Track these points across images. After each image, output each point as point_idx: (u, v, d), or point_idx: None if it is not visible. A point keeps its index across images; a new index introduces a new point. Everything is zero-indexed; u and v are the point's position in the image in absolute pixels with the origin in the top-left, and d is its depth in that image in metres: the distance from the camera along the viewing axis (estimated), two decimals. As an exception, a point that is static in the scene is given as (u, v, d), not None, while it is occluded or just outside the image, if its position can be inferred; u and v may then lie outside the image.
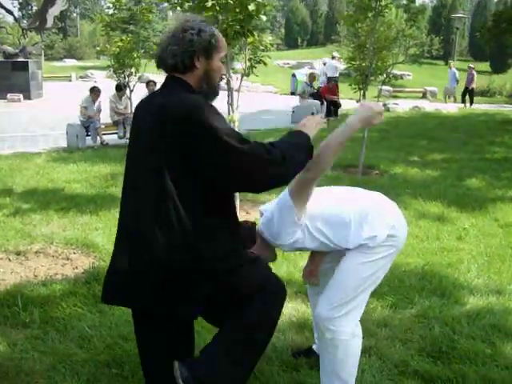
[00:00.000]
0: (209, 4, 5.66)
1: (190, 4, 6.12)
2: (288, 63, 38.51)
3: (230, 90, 6.14)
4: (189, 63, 2.27)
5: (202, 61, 2.29)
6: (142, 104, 2.42)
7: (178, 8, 6.38)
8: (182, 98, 2.21)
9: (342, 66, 18.27)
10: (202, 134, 2.13)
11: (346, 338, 2.73)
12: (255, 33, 6.13)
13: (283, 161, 2.23)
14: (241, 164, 2.17)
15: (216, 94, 2.42)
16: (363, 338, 3.44)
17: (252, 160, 2.18)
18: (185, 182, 2.19)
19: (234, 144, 2.13)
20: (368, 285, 2.78)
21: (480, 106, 21.72)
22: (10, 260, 4.84)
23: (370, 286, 2.80)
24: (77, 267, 4.71)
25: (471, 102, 22.17)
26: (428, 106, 19.75)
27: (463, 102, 22.29)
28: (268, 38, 6.28)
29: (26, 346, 3.40)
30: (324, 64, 22.63)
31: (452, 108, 19.52)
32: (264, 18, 5.88)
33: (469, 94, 22.43)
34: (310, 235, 2.72)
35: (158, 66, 2.37)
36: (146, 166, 2.25)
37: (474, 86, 22.64)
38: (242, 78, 6.15)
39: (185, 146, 2.15)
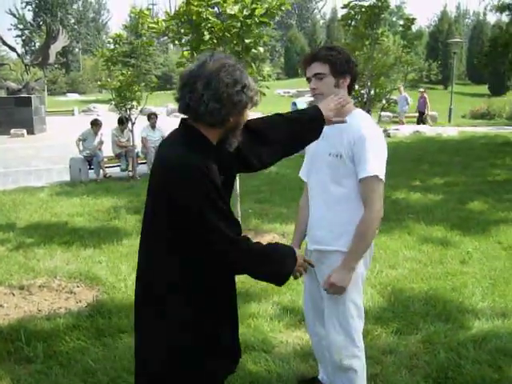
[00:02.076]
0: (206, 38, 5.77)
1: (189, 38, 6.24)
2: (288, 92, 38.85)
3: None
4: (225, 122, 2.02)
5: (235, 117, 2.04)
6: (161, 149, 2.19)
7: (177, 42, 6.49)
8: (182, 160, 1.97)
9: None
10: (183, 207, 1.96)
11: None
12: (254, 63, 6.22)
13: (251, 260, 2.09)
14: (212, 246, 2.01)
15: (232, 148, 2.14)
16: (369, 365, 3.44)
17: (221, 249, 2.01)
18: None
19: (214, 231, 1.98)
20: (359, 305, 2.83)
21: (480, 129, 21.80)
22: (13, 295, 4.84)
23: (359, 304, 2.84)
24: (80, 301, 4.71)
25: (423, 123, 22.45)
26: (429, 131, 19.82)
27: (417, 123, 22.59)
28: (266, 69, 6.37)
29: (30, 381, 3.39)
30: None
31: (452, 132, 19.60)
32: (261, 49, 5.98)
33: (420, 118, 22.67)
34: None
35: (184, 113, 2.05)
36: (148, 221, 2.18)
37: (427, 111, 22.65)
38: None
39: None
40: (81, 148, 11.79)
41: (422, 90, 23.97)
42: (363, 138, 2.61)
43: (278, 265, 2.15)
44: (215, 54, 2.04)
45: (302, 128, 2.32)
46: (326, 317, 2.81)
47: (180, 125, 2.09)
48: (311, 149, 2.81)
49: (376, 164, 2.61)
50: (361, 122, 2.67)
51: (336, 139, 2.66)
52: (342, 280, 2.63)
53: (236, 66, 2.00)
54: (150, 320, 2.11)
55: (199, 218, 1.93)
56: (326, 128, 2.38)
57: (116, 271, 5.38)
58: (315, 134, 2.36)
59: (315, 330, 2.99)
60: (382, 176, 2.61)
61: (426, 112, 22.70)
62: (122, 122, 11.95)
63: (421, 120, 22.79)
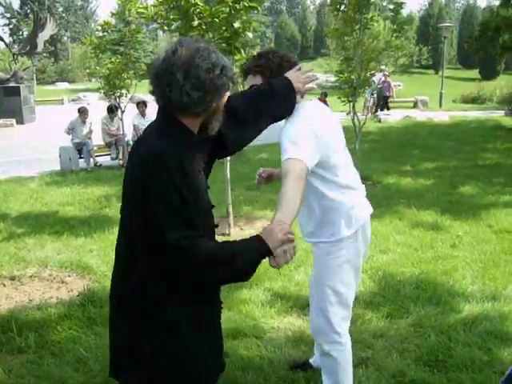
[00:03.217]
0: (195, 23, 5.73)
1: (178, 24, 6.19)
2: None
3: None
4: (209, 108, 1.93)
5: (216, 101, 1.94)
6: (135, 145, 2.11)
7: (166, 28, 6.44)
8: (155, 145, 1.90)
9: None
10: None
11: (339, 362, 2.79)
12: (244, 49, 6.19)
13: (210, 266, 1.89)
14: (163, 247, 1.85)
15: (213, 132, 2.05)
16: (360, 349, 3.47)
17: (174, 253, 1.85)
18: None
19: (165, 224, 1.84)
20: (347, 293, 2.81)
21: (471, 113, 21.85)
22: (4, 285, 4.82)
23: (349, 292, 2.82)
24: (72, 290, 4.70)
25: (387, 109, 22.25)
26: (419, 116, 19.85)
27: (381, 109, 22.45)
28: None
29: (22, 371, 3.39)
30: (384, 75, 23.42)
31: (443, 116, 19.63)
32: (250, 35, 5.95)
33: (384, 101, 22.55)
34: None
35: (165, 106, 1.94)
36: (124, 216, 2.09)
37: (390, 93, 22.27)
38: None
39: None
40: (71, 137, 11.73)
41: (386, 73, 23.33)
42: (285, 125, 2.55)
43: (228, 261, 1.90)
44: (182, 40, 1.93)
45: (278, 104, 2.34)
46: (310, 300, 2.86)
47: (157, 117, 2.01)
48: None
49: (289, 146, 2.41)
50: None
51: None
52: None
53: (209, 48, 1.91)
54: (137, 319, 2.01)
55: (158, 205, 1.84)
56: None
57: (107, 260, 5.36)
58: (289, 108, 2.42)
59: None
60: (295, 156, 2.36)
61: (390, 94, 22.26)
62: (112, 110, 11.87)
63: (385, 104, 22.59)
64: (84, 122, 11.80)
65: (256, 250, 1.89)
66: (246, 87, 2.60)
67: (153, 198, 1.84)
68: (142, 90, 7.29)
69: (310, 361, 3.30)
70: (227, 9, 5.66)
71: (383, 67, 23.38)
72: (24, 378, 3.30)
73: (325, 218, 2.66)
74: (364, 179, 9.01)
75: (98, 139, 12.12)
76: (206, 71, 1.85)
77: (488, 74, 38.83)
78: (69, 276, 5.03)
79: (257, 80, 2.57)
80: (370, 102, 21.12)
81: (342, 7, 8.22)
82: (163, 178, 1.82)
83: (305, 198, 2.43)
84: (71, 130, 11.72)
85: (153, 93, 1.95)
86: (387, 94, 22.12)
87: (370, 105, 20.76)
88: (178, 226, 1.83)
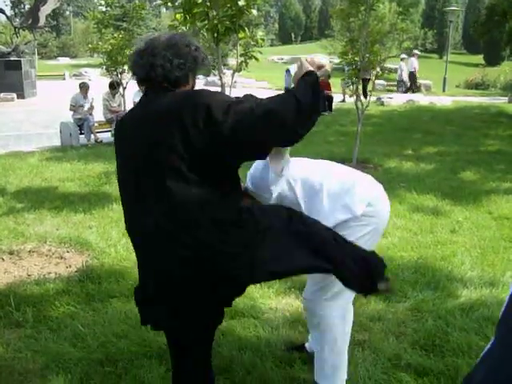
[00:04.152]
0: (199, 0, 5.65)
1: (181, 0, 6.11)
2: (282, 58, 38.49)
3: (222, 85, 6.14)
4: (187, 80, 2.24)
5: (191, 78, 2.28)
6: (130, 121, 2.29)
7: (170, 4, 6.37)
8: (181, 93, 2.18)
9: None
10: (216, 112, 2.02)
11: (333, 322, 2.74)
12: (248, 28, 6.13)
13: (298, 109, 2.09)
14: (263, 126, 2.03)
15: None
16: (357, 331, 3.48)
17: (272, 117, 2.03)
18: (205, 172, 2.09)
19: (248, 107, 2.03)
20: None
21: (474, 99, 21.74)
22: (3, 260, 4.83)
23: None
24: (70, 266, 4.70)
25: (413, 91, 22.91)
26: (422, 100, 19.73)
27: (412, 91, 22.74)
28: (259, 34, 6.27)
29: (20, 345, 3.40)
30: (401, 60, 23.34)
31: (446, 101, 19.52)
32: (255, 12, 5.88)
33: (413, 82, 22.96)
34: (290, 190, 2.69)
35: (147, 75, 2.20)
36: (158, 176, 2.10)
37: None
38: (233, 73, 6.15)
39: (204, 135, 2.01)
40: (72, 112, 11.67)
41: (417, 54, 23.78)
42: None
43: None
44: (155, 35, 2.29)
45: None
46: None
47: (157, 90, 2.21)
48: None
49: None
50: None
51: None
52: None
53: (185, 34, 2.33)
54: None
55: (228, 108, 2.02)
56: None
57: (106, 236, 5.37)
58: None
59: (307, 294, 2.96)
60: None
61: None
62: (114, 86, 11.80)
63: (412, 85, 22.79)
64: (85, 98, 11.74)
65: (305, 83, 2.22)
66: None
67: (207, 112, 2.00)
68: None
69: (306, 345, 3.30)
70: (232, -15, 5.58)
71: (415, 50, 23.66)
72: (22, 352, 3.31)
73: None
74: (365, 162, 9.09)
75: (98, 115, 12.06)
76: (185, 46, 2.21)
77: (492, 59, 38.57)
78: (67, 252, 5.03)
79: None
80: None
81: (349, -13, 8.14)
82: (201, 94, 2.08)
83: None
84: (74, 106, 11.65)
85: (135, 73, 2.27)
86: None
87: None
88: (246, 102, 2.08)
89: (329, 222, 2.48)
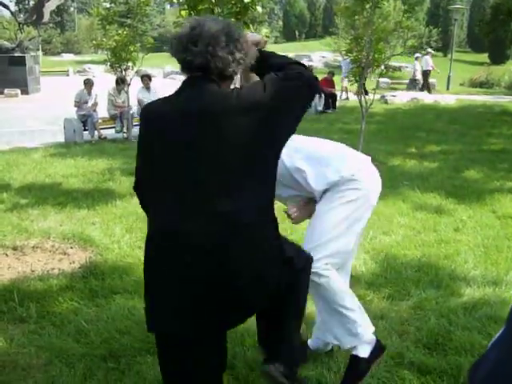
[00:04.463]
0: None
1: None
2: (287, 55, 38.39)
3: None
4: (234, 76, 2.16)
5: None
6: (175, 112, 2.08)
7: (174, 1, 6.37)
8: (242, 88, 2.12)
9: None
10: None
11: (320, 281, 2.71)
12: (252, 25, 6.11)
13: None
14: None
15: None
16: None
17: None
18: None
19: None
20: (342, 231, 2.76)
21: (478, 98, 21.68)
22: (6, 255, 4.84)
23: (346, 233, 2.78)
24: (74, 262, 4.71)
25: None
26: (426, 98, 19.70)
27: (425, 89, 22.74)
28: (263, 31, 6.26)
29: (23, 340, 3.41)
30: (416, 58, 23.46)
31: (450, 99, 19.48)
32: (260, 9, 5.87)
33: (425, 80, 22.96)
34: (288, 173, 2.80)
35: (206, 65, 2.03)
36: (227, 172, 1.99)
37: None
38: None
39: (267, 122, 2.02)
40: (76, 109, 11.69)
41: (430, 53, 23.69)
42: None
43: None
44: (198, 18, 2.14)
45: None
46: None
47: (204, 81, 2.06)
48: None
49: None
50: None
51: None
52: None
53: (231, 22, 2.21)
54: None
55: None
56: None
57: (110, 233, 5.37)
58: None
59: None
60: None
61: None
62: (120, 82, 11.79)
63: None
64: (89, 94, 11.74)
65: (275, 56, 2.33)
66: None
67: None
68: (149, 64, 7.24)
69: (309, 342, 3.29)
70: (237, -18, 5.58)
71: (429, 49, 23.63)
72: (25, 348, 3.32)
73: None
74: (369, 160, 9.04)
75: (102, 112, 12.07)
76: (241, 37, 2.07)
77: (497, 58, 38.40)
78: (71, 248, 5.04)
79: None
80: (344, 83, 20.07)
81: (354, -15, 8.12)
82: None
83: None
84: (78, 102, 11.67)
85: (184, 60, 2.06)
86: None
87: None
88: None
89: (322, 184, 2.77)
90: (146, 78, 12.24)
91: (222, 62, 2.01)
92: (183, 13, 6.10)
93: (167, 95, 2.18)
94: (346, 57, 20.55)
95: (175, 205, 2.01)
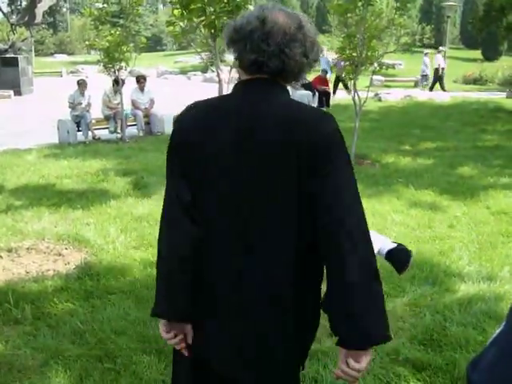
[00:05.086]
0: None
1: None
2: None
3: (220, 82, 6.13)
4: None
5: None
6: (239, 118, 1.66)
7: (167, 0, 6.36)
8: (317, 113, 1.71)
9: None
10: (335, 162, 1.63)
11: None
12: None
13: None
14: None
15: None
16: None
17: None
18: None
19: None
20: None
21: (472, 94, 21.72)
22: (1, 257, 4.82)
23: None
24: (68, 263, 4.70)
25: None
26: (420, 95, 19.73)
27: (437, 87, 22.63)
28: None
29: (18, 342, 3.40)
30: (425, 54, 23.67)
31: (444, 96, 19.52)
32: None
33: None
34: None
35: (283, 70, 1.65)
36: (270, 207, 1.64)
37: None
38: (231, 69, 6.15)
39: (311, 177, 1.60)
40: (70, 109, 11.65)
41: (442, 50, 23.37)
42: None
43: None
44: (264, 6, 1.70)
45: None
46: None
47: (263, 82, 1.68)
48: None
49: None
50: None
51: None
52: None
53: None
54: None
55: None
56: None
57: (104, 233, 5.36)
58: None
59: None
60: None
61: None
62: (118, 82, 11.75)
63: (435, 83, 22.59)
64: (83, 95, 11.71)
65: None
66: None
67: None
68: (142, 64, 7.19)
69: None
70: (229, -19, 5.58)
71: (441, 47, 23.60)
72: (20, 349, 3.31)
73: None
74: (363, 158, 9.09)
75: (96, 112, 12.04)
76: (315, 35, 1.71)
77: (490, 54, 38.49)
78: (66, 249, 5.03)
79: None
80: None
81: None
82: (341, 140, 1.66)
83: None
84: (72, 103, 11.63)
85: (255, 63, 1.64)
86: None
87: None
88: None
89: None
90: (143, 80, 12.19)
91: (299, 67, 1.67)
92: (176, 12, 6.10)
93: (214, 100, 1.81)
94: (323, 55, 20.63)
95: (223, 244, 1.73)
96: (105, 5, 10.93)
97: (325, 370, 3.04)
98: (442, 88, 22.40)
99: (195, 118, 1.72)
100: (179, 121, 1.77)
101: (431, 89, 22.38)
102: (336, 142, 1.63)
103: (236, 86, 1.74)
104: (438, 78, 22.69)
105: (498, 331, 1.09)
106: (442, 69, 22.66)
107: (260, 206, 1.64)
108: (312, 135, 1.59)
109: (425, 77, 23.72)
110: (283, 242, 1.64)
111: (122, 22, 11.33)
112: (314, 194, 1.59)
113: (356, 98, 8.66)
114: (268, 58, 1.62)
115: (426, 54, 23.64)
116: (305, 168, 1.59)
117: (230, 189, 1.65)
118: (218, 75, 6.11)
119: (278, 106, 1.65)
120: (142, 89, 12.17)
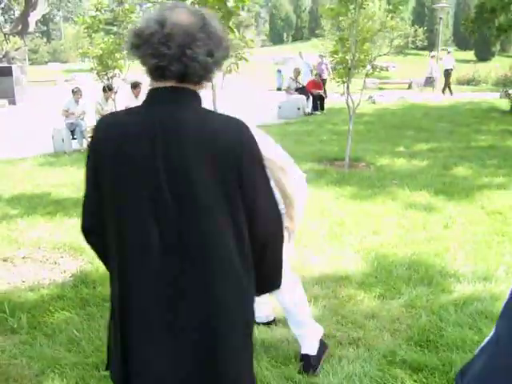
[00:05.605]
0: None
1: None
2: (274, 59, 38.45)
3: (213, 87, 6.14)
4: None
5: None
6: (136, 130, 1.65)
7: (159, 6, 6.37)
8: (230, 121, 1.70)
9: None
10: (252, 166, 1.68)
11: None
12: (238, 30, 6.13)
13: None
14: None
15: None
16: (351, 329, 3.51)
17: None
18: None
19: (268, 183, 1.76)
20: None
21: (466, 95, 21.79)
22: (-3, 266, 4.82)
23: None
24: (64, 271, 4.69)
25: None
26: (414, 97, 19.80)
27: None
28: (248, 35, 6.29)
29: (15, 351, 3.39)
30: (432, 57, 23.92)
31: (437, 98, 19.58)
32: (244, 13, 5.89)
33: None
34: None
35: (184, 73, 1.61)
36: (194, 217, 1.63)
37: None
38: (224, 75, 6.16)
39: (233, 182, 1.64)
40: (64, 117, 11.65)
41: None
42: None
43: None
44: (167, 6, 1.64)
45: None
46: None
47: (177, 90, 1.65)
48: None
49: None
50: None
51: None
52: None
53: (201, 9, 1.70)
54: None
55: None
56: None
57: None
58: None
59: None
60: None
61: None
62: (107, 89, 11.75)
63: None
64: (77, 103, 11.71)
65: None
66: None
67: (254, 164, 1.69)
68: (135, 71, 7.15)
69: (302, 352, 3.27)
70: (220, -13, 5.59)
71: (450, 48, 23.69)
72: (17, 359, 3.31)
73: None
74: (357, 160, 9.11)
75: (91, 120, 12.02)
76: (220, 32, 1.65)
77: (483, 55, 38.64)
78: (62, 257, 5.02)
79: None
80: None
81: (337, -14, 8.15)
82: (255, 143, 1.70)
83: None
84: (67, 111, 11.63)
85: (159, 66, 1.60)
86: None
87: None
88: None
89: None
90: (139, 88, 12.14)
91: (204, 67, 1.61)
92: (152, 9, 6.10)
93: (130, 109, 1.83)
94: (301, 57, 20.21)
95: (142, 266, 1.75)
96: (98, 13, 10.94)
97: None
98: (449, 90, 22.35)
99: (107, 132, 1.72)
100: (93, 135, 1.79)
101: (444, 91, 22.29)
102: (250, 148, 1.67)
103: (146, 95, 1.73)
104: (446, 78, 22.67)
105: (486, 339, 1.09)
106: (451, 70, 22.73)
107: (186, 217, 1.62)
108: (225, 144, 1.62)
109: (429, 79, 23.70)
110: (221, 251, 1.66)
111: (115, 29, 11.34)
112: (236, 197, 1.64)
113: (349, 100, 8.67)
114: (169, 62, 1.58)
115: (432, 56, 23.66)
116: (226, 175, 1.61)
117: (149, 204, 1.62)
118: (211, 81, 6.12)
119: (186, 119, 1.63)
120: (137, 96, 12.17)
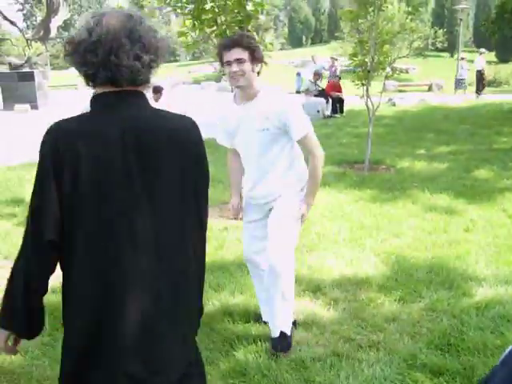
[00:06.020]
0: (208, 6, 5.72)
1: (191, 7, 6.17)
2: (293, 62, 38.48)
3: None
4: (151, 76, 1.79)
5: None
6: (102, 135, 1.70)
7: (179, 11, 6.43)
8: (185, 119, 1.85)
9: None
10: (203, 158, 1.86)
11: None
12: (257, 33, 6.17)
13: None
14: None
15: None
16: (371, 332, 3.50)
17: None
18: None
19: None
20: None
21: (487, 97, 21.57)
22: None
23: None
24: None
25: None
26: (434, 99, 19.66)
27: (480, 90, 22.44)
28: (267, 38, 6.31)
29: (37, 353, 3.44)
30: (462, 59, 23.92)
31: (458, 100, 19.43)
32: (262, 17, 5.92)
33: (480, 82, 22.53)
34: None
35: (112, 78, 1.66)
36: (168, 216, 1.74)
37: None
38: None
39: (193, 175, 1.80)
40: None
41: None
42: (285, 109, 3.12)
43: None
44: (98, 12, 1.70)
45: None
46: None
47: (126, 94, 1.72)
48: (236, 125, 3.29)
49: (302, 123, 3.16)
50: (275, 96, 3.21)
51: (262, 117, 3.13)
52: (306, 212, 3.33)
53: (136, 12, 1.74)
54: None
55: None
56: (249, 108, 3.14)
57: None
58: None
59: (251, 257, 3.50)
60: (310, 128, 3.20)
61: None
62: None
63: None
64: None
65: None
66: (229, 58, 3.01)
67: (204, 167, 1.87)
68: (156, 74, 7.25)
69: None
70: (240, -9, 5.63)
71: (483, 50, 23.59)
72: (39, 360, 3.35)
73: (291, 173, 3.32)
74: (377, 163, 9.07)
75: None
76: (150, 34, 1.69)
77: (504, 56, 38.26)
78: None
79: (244, 55, 2.99)
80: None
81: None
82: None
83: (280, 165, 3.27)
84: (85, 115, 11.73)
85: (88, 75, 1.71)
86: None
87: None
88: None
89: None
90: (159, 93, 12.17)
91: (131, 72, 1.65)
92: (188, 23, 6.17)
93: (84, 115, 1.92)
94: (313, 61, 20.20)
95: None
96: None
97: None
98: (480, 90, 22.16)
99: (68, 137, 1.83)
100: (52, 141, 1.87)
101: (478, 91, 22.11)
102: (203, 146, 1.85)
103: (95, 100, 1.82)
104: (478, 79, 22.48)
105: (508, 350, 1.08)
106: (483, 71, 22.66)
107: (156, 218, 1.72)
108: (186, 139, 1.78)
109: (460, 81, 23.52)
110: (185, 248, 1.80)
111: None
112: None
113: (369, 103, 8.65)
114: (96, 69, 1.64)
115: (462, 58, 23.52)
116: (188, 171, 1.76)
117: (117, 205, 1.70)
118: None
119: (146, 117, 1.73)
120: (156, 99, 12.23)
